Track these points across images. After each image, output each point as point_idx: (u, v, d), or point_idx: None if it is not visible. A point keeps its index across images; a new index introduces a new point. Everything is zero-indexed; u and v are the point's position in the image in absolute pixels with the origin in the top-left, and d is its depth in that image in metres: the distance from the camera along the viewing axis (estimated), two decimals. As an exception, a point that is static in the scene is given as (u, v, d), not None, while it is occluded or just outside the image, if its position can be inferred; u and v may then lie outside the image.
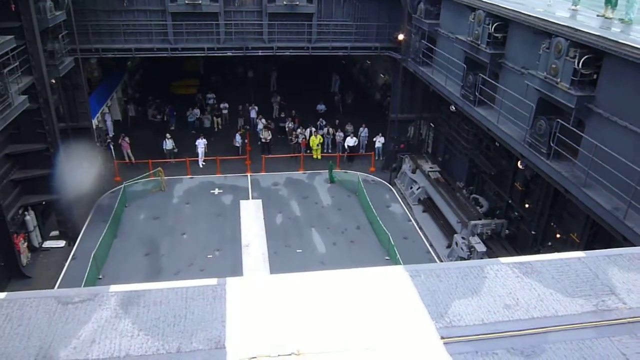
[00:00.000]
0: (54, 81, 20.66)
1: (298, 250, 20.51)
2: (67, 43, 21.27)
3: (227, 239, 21.04)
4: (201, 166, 27.10)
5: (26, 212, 19.85)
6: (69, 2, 20.66)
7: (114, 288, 3.77)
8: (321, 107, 31.67)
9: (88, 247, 19.64)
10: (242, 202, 23.83)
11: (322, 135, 28.74)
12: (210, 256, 19.86)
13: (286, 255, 20.02)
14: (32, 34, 18.02)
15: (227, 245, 20.68)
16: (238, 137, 28.46)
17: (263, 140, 28.62)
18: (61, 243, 21.16)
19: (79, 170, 23.26)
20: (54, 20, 19.58)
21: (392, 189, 25.97)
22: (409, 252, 20.10)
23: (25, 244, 19.69)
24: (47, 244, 20.97)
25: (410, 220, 23.19)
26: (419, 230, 22.46)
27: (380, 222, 21.26)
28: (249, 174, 26.24)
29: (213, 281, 3.92)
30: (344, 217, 23.06)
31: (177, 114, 31.80)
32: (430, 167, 24.50)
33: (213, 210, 23.17)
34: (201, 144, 27.13)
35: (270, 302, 3.85)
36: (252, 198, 24.33)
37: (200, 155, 27.15)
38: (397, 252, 19.26)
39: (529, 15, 14.97)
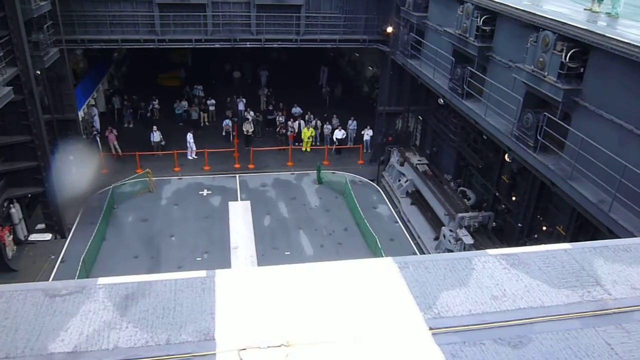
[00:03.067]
0: (38, 72, 20.35)
1: (286, 253, 20.49)
2: (52, 34, 20.94)
3: (215, 241, 20.96)
4: (191, 158, 26.95)
5: (11, 205, 19.64)
6: (54, -8, 20.35)
7: (102, 280, 3.74)
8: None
9: (77, 250, 19.47)
10: (231, 204, 23.75)
11: (313, 128, 28.72)
12: (199, 259, 19.76)
13: (274, 257, 19.95)
14: (16, 24, 17.72)
15: (215, 247, 20.59)
16: (228, 121, 28.57)
17: (245, 133, 28.53)
18: (47, 236, 20.97)
19: (65, 162, 23.05)
20: (38, 10, 19.28)
21: (380, 189, 26.01)
22: (395, 254, 20.11)
23: (11, 237, 19.48)
24: (33, 237, 20.78)
25: (397, 222, 23.27)
26: (405, 232, 22.55)
27: (367, 224, 21.32)
28: (237, 176, 26.08)
29: (202, 273, 3.92)
30: (331, 218, 23.08)
31: (160, 106, 31.37)
32: (418, 160, 24.60)
33: (201, 212, 23.05)
34: (190, 137, 26.98)
35: (259, 294, 3.85)
36: (241, 199, 24.25)
37: (190, 148, 27.00)
38: (384, 254, 19.32)
39: (517, 9, 15.04)
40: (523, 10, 14.69)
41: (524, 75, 14.36)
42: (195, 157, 27.11)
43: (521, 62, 14.74)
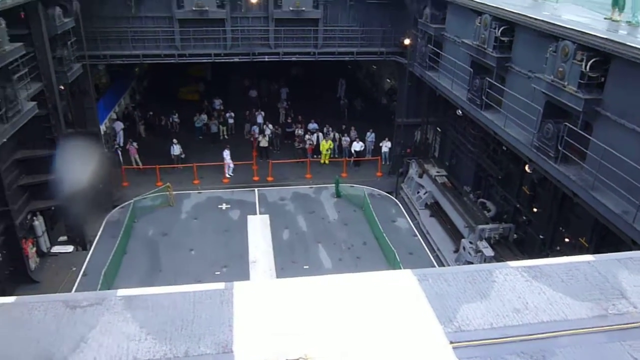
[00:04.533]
0: (62, 87, 20.78)
1: (305, 267, 20.45)
2: (75, 49, 21.42)
3: (234, 255, 20.98)
4: (229, 176, 27.05)
5: (35, 217, 19.97)
6: (77, 9, 20.82)
7: (122, 292, 3.77)
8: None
9: (98, 263, 19.71)
10: (250, 218, 23.82)
11: (331, 140, 28.77)
12: (218, 273, 19.80)
13: (293, 271, 19.90)
14: (41, 41, 18.19)
15: (234, 261, 20.61)
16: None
17: (261, 146, 28.70)
18: (69, 248, 21.27)
19: (88, 175, 23.38)
20: (62, 27, 19.73)
21: (398, 202, 25.85)
22: (414, 268, 19.90)
23: (34, 248, 19.80)
24: (55, 249, 21.08)
25: (416, 235, 23.07)
26: (424, 246, 22.35)
27: (386, 238, 21.19)
28: (256, 190, 26.17)
29: (221, 285, 3.92)
30: (350, 232, 23.00)
31: (179, 120, 31.76)
32: (437, 172, 24.43)
33: (221, 226, 23.16)
34: (227, 154, 27.00)
35: (277, 306, 3.84)
36: (259, 213, 24.30)
37: (228, 165, 27.09)
38: (402, 268, 19.15)
39: (536, 19, 14.93)
40: (542, 21, 14.58)
41: (543, 86, 14.23)
42: (232, 174, 27.13)
43: (540, 72, 14.62)
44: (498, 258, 17.95)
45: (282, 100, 34.81)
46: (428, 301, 4.07)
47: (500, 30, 16.73)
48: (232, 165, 27.11)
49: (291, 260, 20.82)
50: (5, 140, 15.10)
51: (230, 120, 32.01)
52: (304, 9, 24.08)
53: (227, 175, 27.04)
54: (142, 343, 3.28)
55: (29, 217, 19.66)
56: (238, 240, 21.99)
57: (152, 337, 3.34)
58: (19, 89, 16.31)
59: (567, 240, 16.05)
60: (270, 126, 30.21)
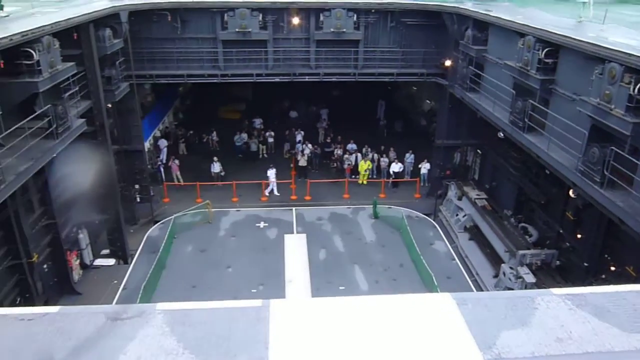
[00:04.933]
0: (110, 105, 21.51)
1: (341, 287, 20.30)
2: (123, 69, 22.16)
3: (271, 274, 21.01)
4: (277, 194, 27.32)
5: (79, 230, 20.57)
6: (126, 31, 21.62)
7: (160, 306, 3.83)
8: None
9: (139, 277, 20.14)
10: (287, 237, 23.91)
11: (370, 161, 28.74)
12: (254, 291, 19.88)
13: (329, 291, 19.77)
14: (91, 61, 18.94)
15: (270, 280, 20.64)
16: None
17: (300, 165, 28.88)
18: (111, 261, 21.79)
19: (131, 191, 24.06)
20: (112, 48, 20.47)
21: (436, 225, 25.49)
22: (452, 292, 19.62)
23: (78, 261, 20.37)
24: (98, 261, 21.63)
25: (454, 259, 22.63)
26: (463, 270, 21.89)
27: (424, 261, 20.88)
28: (293, 209, 26.30)
29: (257, 302, 3.94)
30: (387, 254, 22.77)
31: (218, 138, 32.54)
32: (477, 195, 24.01)
33: (258, 244, 23.29)
34: (272, 174, 27.28)
35: (313, 325, 3.82)
36: (297, 232, 24.38)
37: (271, 185, 27.36)
38: (440, 292, 18.78)
39: (581, 41, 14.64)
40: (588, 42, 14.28)
41: (589, 109, 13.86)
42: (278, 194, 27.40)
43: (586, 94, 14.26)
44: (539, 285, 17.41)
45: (322, 120, 35.08)
46: (467, 326, 3.98)
47: (544, 52, 16.46)
48: (275, 185, 27.29)
49: (327, 280, 20.72)
50: (55, 155, 15.67)
51: (270, 139, 32.39)
52: (344, 30, 24.32)
53: (275, 194, 27.25)
54: (178, 357, 3.31)
55: (74, 230, 20.29)
56: (275, 259, 22.05)
57: (188, 352, 3.37)
58: (70, 107, 16.94)
59: (612, 268, 15.45)
60: (310, 146, 30.42)
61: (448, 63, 24.05)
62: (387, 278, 21.07)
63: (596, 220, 15.73)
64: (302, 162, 29.09)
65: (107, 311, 3.59)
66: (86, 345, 3.27)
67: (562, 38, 15.58)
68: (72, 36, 17.99)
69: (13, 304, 15.96)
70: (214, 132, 32.49)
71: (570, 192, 16.50)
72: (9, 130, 13.38)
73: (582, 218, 16.93)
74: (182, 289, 20.01)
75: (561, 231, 18.08)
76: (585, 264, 16.43)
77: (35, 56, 14.57)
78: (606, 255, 15.76)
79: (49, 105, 15.17)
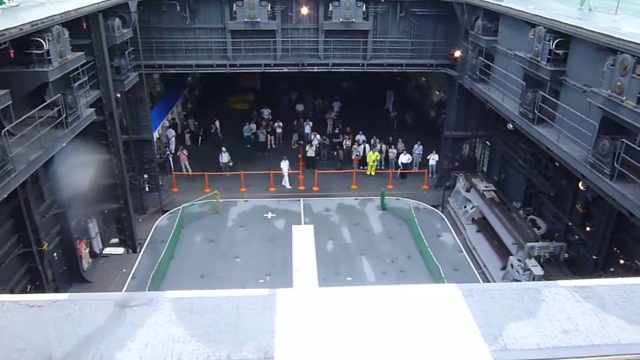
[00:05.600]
0: (119, 95, 21.57)
1: (348, 278, 20.39)
2: (132, 59, 22.21)
3: (278, 264, 21.09)
4: (288, 187, 27.31)
5: (89, 219, 20.74)
6: (135, 20, 21.62)
7: (169, 294, 3.86)
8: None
9: (147, 266, 20.31)
10: (294, 227, 23.95)
11: (378, 152, 28.69)
12: (262, 281, 20.02)
13: (336, 282, 19.83)
14: (101, 50, 18.98)
15: (278, 270, 20.72)
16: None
17: (308, 156, 28.87)
18: (120, 250, 21.97)
19: (139, 180, 24.17)
20: (121, 38, 20.49)
21: (444, 217, 25.45)
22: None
23: (87, 249, 20.55)
24: (107, 250, 21.82)
25: (462, 251, 22.61)
26: (470, 262, 21.86)
27: (431, 253, 20.88)
28: (301, 200, 26.34)
29: (264, 292, 3.96)
30: (394, 245, 22.80)
31: (221, 127, 32.39)
32: (485, 186, 23.92)
33: (266, 235, 23.40)
34: (285, 165, 27.31)
35: (320, 315, 3.84)
36: (304, 223, 24.42)
37: (285, 177, 27.39)
38: (447, 283, 18.79)
39: (593, 31, 14.46)
40: (599, 33, 14.11)
41: (599, 100, 13.73)
42: (290, 187, 27.42)
43: (597, 86, 14.11)
44: (547, 277, 17.36)
45: (330, 111, 34.96)
46: (473, 317, 3.98)
47: (554, 43, 16.30)
48: (287, 177, 27.32)
49: (334, 271, 20.78)
50: (64, 144, 15.76)
51: (279, 130, 32.37)
52: (354, 20, 24.18)
53: (287, 187, 27.26)
54: (186, 345, 3.34)
55: (83, 218, 20.45)
56: (282, 250, 22.12)
57: (196, 340, 3.40)
58: (79, 96, 17.01)
59: (621, 261, 15.38)
60: (318, 136, 30.38)
61: (457, 54, 23.86)
62: (395, 269, 21.10)
63: (606, 213, 15.65)
64: (310, 152, 29.08)
65: (115, 298, 3.63)
66: (95, 332, 3.31)
67: (573, 28, 15.39)
68: (82, 26, 18.03)
69: (24, 291, 16.17)
70: (217, 121, 32.50)
71: (580, 185, 16.40)
72: (19, 120, 13.46)
73: (591, 211, 16.84)
74: (190, 278, 20.15)
75: (570, 224, 18.00)
76: (594, 257, 16.36)
77: (45, 46, 14.61)
78: (615, 249, 15.68)
79: (58, 95, 15.23)
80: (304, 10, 24.33)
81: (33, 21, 14.05)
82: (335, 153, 29.45)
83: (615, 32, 13.93)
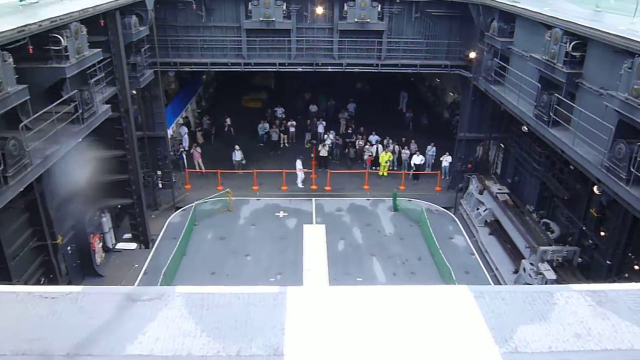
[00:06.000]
0: (134, 92, 21.74)
1: (358, 279, 20.34)
2: (148, 56, 22.39)
3: (289, 263, 21.12)
4: (300, 186, 27.33)
5: (102, 214, 20.93)
6: (152, 18, 21.79)
7: (180, 289, 3.88)
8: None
9: (159, 263, 20.42)
10: (306, 227, 23.96)
11: (391, 152, 28.61)
12: (272, 280, 20.05)
13: (346, 282, 19.79)
14: (117, 47, 19.14)
15: (288, 269, 20.74)
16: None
17: (320, 155, 28.88)
18: (133, 245, 22.15)
19: (153, 177, 24.35)
20: (137, 35, 20.67)
21: (456, 219, 25.31)
22: (471, 286, 19.53)
23: (100, 244, 20.74)
24: (120, 245, 22.01)
25: (474, 254, 22.46)
26: (482, 265, 21.72)
27: (442, 255, 20.77)
28: (313, 199, 26.34)
29: (275, 289, 3.97)
30: (405, 247, 22.71)
31: (232, 124, 32.43)
32: (499, 189, 23.74)
33: (277, 233, 23.42)
34: (300, 163, 27.37)
35: (329, 313, 3.84)
36: (316, 223, 24.42)
37: (300, 175, 27.47)
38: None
39: (610, 34, 14.30)
40: (617, 36, 13.94)
41: (616, 103, 13.57)
42: (302, 185, 27.43)
43: (614, 89, 13.95)
44: (560, 282, 17.21)
45: (343, 111, 34.90)
46: (484, 319, 3.96)
47: (571, 45, 16.13)
48: (302, 175, 27.34)
49: (345, 271, 20.76)
50: (80, 140, 15.93)
51: (292, 129, 32.40)
52: (368, 20, 24.15)
53: (299, 185, 27.28)
54: (196, 339, 3.37)
55: (97, 214, 20.64)
56: (293, 249, 22.16)
57: (206, 335, 3.42)
58: (95, 92, 17.17)
59: (636, 267, 15.18)
60: (332, 136, 30.37)
61: (472, 55, 23.71)
62: (405, 271, 21.03)
63: (621, 217, 15.45)
64: (323, 152, 29.09)
65: (127, 292, 3.66)
66: (107, 325, 3.34)
67: (590, 30, 15.23)
68: (99, 23, 18.18)
69: (37, 283, 16.37)
70: (228, 119, 32.63)
71: (595, 189, 16.22)
72: (36, 115, 13.62)
73: (606, 215, 16.65)
74: (201, 275, 20.24)
75: (584, 228, 17.81)
76: (608, 262, 16.16)
77: (63, 42, 14.78)
78: (630, 254, 15.49)
79: (75, 91, 15.40)
80: (319, 10, 24.35)
81: (52, 18, 14.22)
82: (347, 150, 29.44)
83: (633, 34, 13.77)
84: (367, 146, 29.16)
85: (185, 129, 30.66)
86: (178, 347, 3.26)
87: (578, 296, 4.38)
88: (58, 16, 14.53)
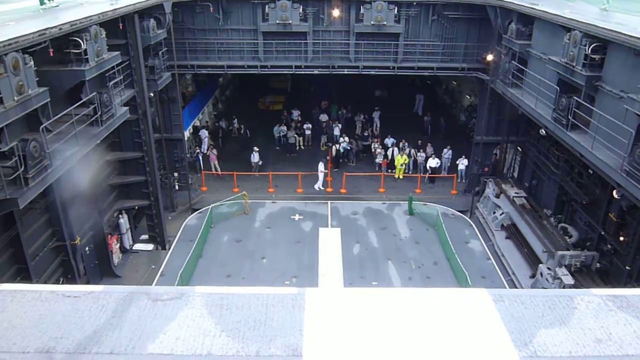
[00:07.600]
0: (152, 94, 21.97)
1: (373, 283, 20.28)
2: (165, 59, 22.60)
3: (304, 267, 21.09)
4: (321, 188, 27.36)
5: (120, 215, 21.17)
6: (169, 21, 22.00)
7: (200, 289, 3.92)
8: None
9: (175, 265, 20.58)
10: (321, 230, 23.85)
11: (407, 155, 28.51)
12: (288, 282, 20.07)
13: (361, 286, 19.63)
14: (136, 50, 19.38)
15: (304, 272, 20.71)
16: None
17: (335, 156, 28.90)
18: (150, 247, 22.36)
19: (170, 178, 24.55)
20: (155, 38, 20.88)
21: (472, 223, 25.12)
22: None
23: (118, 245, 20.97)
24: (137, 246, 22.23)
25: (490, 259, 22.25)
26: (498, 270, 21.50)
27: (458, 260, 20.62)
28: (329, 202, 26.33)
29: (293, 290, 4.00)
30: (421, 251, 22.59)
31: (242, 126, 32.68)
32: (516, 193, 23.51)
33: (293, 236, 23.43)
34: (322, 166, 27.37)
35: (347, 315, 3.86)
36: (331, 226, 24.41)
37: (320, 178, 27.47)
38: None
39: (631, 36, 14.10)
40: (637, 38, 13.75)
41: (637, 107, 13.38)
42: (322, 187, 27.44)
43: (634, 92, 13.76)
44: (578, 287, 16.97)
45: (359, 114, 34.78)
46: (503, 322, 3.94)
47: (590, 48, 15.95)
48: (322, 179, 27.35)
49: (360, 275, 20.71)
50: (99, 141, 16.13)
51: (308, 132, 32.45)
52: (385, 23, 24.10)
53: (318, 188, 27.34)
54: (216, 339, 3.40)
55: (115, 215, 20.88)
56: (309, 252, 22.15)
57: (226, 335, 3.45)
58: (114, 95, 17.39)
59: (657, 273, 14.93)
60: (347, 138, 30.35)
61: (490, 58, 23.54)
62: (421, 275, 20.91)
63: (641, 222, 15.22)
64: (334, 150, 29.11)
65: (148, 292, 3.71)
66: (128, 323, 3.39)
67: (610, 33, 15.04)
68: (118, 26, 18.44)
69: (56, 283, 16.60)
70: (235, 120, 32.71)
71: (614, 193, 15.98)
72: (56, 117, 13.83)
73: (626, 220, 16.40)
74: (217, 278, 20.33)
75: (603, 233, 17.56)
76: (628, 268, 15.91)
77: (83, 45, 15.00)
78: (650, 260, 15.24)
79: (94, 93, 15.61)
80: (336, 13, 24.38)
81: (72, 21, 14.44)
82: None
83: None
84: (379, 150, 29.04)
85: (205, 132, 30.90)
86: (198, 346, 3.29)
87: (599, 301, 4.34)
88: (78, 20, 14.76)
